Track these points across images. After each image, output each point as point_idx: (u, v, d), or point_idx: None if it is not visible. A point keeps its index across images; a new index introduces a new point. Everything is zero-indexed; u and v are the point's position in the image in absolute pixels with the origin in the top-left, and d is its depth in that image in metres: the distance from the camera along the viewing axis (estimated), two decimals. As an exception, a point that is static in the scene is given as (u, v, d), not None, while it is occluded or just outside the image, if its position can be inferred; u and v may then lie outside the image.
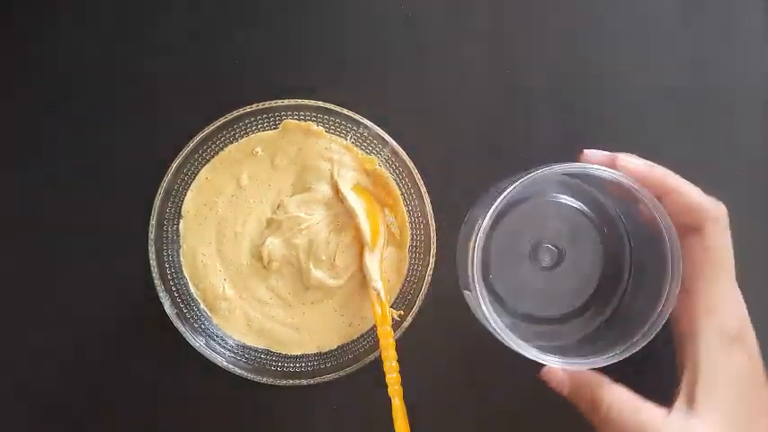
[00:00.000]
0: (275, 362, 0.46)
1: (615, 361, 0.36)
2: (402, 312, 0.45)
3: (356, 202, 0.45)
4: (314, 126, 0.46)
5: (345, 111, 0.45)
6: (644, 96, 0.48)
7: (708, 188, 0.48)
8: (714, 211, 0.38)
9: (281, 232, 0.46)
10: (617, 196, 0.40)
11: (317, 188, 0.46)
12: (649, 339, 0.36)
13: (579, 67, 0.48)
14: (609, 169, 0.37)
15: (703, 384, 0.36)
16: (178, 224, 0.46)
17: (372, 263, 0.45)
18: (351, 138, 0.46)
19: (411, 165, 0.45)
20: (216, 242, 0.46)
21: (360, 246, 0.46)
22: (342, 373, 0.45)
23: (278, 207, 0.46)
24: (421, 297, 0.45)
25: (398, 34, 0.48)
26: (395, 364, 0.43)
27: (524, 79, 0.48)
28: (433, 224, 0.45)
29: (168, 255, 0.46)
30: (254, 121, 0.46)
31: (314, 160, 0.46)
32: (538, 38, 0.48)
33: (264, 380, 0.45)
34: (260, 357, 0.46)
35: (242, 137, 0.46)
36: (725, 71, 0.48)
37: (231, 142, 0.46)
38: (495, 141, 0.48)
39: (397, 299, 0.47)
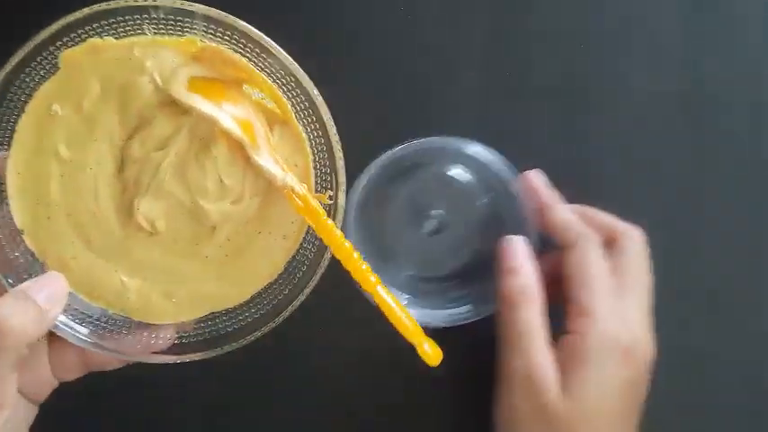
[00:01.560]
0: (226, 321, 0.39)
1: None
2: (330, 192, 0.37)
3: (204, 103, 0.35)
4: (98, 41, 0.35)
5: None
6: (644, 96, 0.48)
7: (708, 188, 0.48)
8: (631, 230, 0.41)
9: (143, 187, 0.36)
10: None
11: (149, 113, 0.36)
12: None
13: (579, 68, 0.48)
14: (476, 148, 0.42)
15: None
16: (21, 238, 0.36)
17: (264, 160, 0.36)
18: (149, 29, 0.35)
19: (243, 24, 0.35)
20: (78, 238, 0.37)
21: (240, 150, 0.36)
22: (307, 290, 0.37)
23: (121, 162, 0.36)
24: (341, 164, 0.36)
25: (398, 34, 0.48)
26: (356, 255, 0.36)
27: (524, 79, 0.48)
28: (306, 79, 0.36)
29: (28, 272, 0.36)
30: (25, 79, 0.35)
31: (125, 81, 0.35)
32: (538, 38, 0.48)
33: (227, 347, 0.37)
34: (210, 326, 0.38)
35: (25, 103, 0.35)
36: (725, 71, 0.48)
37: (18, 116, 0.35)
38: (494, 141, 0.48)
39: (316, 181, 0.38)
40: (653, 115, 0.48)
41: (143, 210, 0.36)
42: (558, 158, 0.47)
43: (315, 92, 0.36)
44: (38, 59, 0.34)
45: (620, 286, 0.39)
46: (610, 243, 0.41)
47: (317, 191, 0.38)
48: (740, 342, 0.47)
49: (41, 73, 0.34)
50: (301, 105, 0.37)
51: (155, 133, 0.36)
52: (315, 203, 0.36)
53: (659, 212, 0.47)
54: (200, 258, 0.37)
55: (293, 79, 0.36)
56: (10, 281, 0.35)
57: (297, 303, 0.37)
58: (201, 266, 0.37)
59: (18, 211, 0.36)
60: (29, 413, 0.36)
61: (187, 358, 0.37)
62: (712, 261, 0.47)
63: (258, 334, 0.37)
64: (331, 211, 0.37)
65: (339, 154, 0.36)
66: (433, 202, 0.45)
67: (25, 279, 0.35)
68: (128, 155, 0.36)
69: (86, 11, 0.33)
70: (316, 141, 0.37)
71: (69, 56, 0.35)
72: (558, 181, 0.47)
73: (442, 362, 0.37)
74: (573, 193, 0.47)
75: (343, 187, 0.37)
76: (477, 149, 0.43)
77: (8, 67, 0.33)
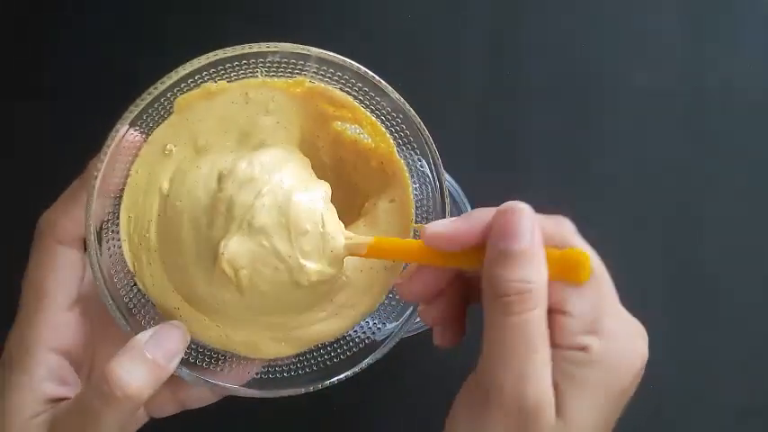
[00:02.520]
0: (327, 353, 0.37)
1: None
2: (421, 225, 0.36)
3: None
4: (212, 85, 0.34)
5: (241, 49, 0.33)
6: (644, 97, 0.48)
7: (708, 188, 0.48)
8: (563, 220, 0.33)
9: (232, 220, 0.32)
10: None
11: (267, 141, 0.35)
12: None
13: (579, 67, 0.48)
14: None
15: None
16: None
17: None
18: (261, 72, 0.35)
19: (350, 62, 0.34)
20: (175, 288, 0.35)
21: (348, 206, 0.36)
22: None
23: (218, 192, 0.33)
24: (446, 194, 0.36)
25: (398, 34, 0.48)
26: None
27: (524, 79, 0.48)
28: (413, 114, 0.35)
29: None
30: (141, 125, 0.33)
31: (248, 120, 0.35)
32: (538, 38, 0.48)
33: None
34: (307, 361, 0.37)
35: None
36: (725, 71, 0.48)
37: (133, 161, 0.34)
38: (494, 141, 0.48)
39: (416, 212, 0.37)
40: (653, 115, 0.48)
41: (226, 251, 0.32)
42: (557, 158, 0.48)
43: (422, 126, 0.35)
44: (155, 106, 0.33)
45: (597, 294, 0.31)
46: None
47: (417, 221, 0.37)
48: (740, 342, 0.47)
49: (156, 118, 0.34)
50: (404, 140, 0.36)
51: (264, 158, 0.34)
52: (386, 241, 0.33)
53: (659, 212, 0.47)
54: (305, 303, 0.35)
55: (401, 117, 0.35)
56: (128, 329, 0.33)
57: (401, 333, 0.36)
58: (307, 313, 0.36)
59: (127, 254, 0.35)
60: None
61: (272, 394, 0.36)
62: (712, 261, 0.47)
63: (360, 367, 0.36)
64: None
65: (445, 184, 0.36)
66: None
67: (141, 323, 0.34)
68: (226, 175, 0.33)
69: (206, 59, 0.33)
70: (417, 173, 0.37)
71: (183, 100, 0.34)
72: (558, 181, 0.47)
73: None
74: (573, 193, 0.47)
75: (448, 212, 0.36)
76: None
77: (129, 117, 0.32)
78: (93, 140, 0.34)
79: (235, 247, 0.32)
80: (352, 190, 0.38)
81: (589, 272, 0.29)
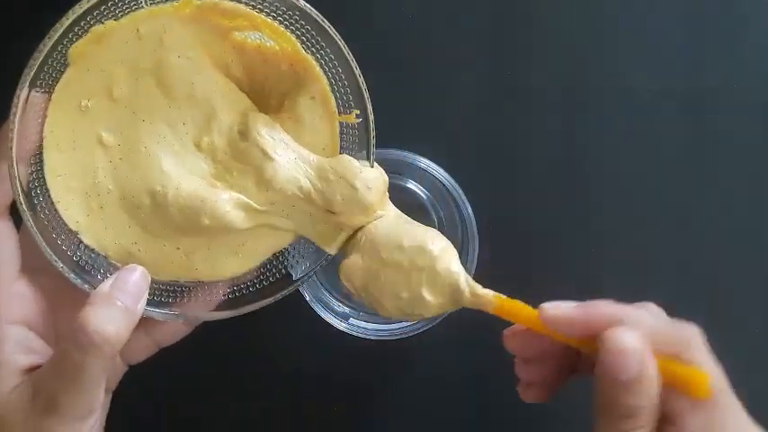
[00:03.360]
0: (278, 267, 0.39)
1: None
2: (356, 111, 0.37)
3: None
4: (101, 28, 0.34)
5: None
6: (644, 97, 0.48)
7: (708, 188, 0.48)
8: (689, 330, 0.32)
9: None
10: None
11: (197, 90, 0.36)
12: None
13: (579, 67, 0.48)
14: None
15: None
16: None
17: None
18: (145, 1, 0.34)
19: None
20: (135, 222, 0.36)
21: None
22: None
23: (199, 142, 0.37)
24: (361, 80, 0.36)
25: (397, 34, 0.48)
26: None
27: (524, 79, 0.48)
28: (310, 7, 0.35)
29: None
30: (41, 84, 0.33)
31: (153, 62, 0.35)
32: (538, 37, 0.48)
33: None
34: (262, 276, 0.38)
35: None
36: (725, 71, 0.48)
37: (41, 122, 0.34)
38: (494, 141, 0.48)
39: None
40: (653, 115, 0.48)
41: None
42: (557, 158, 0.48)
43: (323, 21, 0.35)
44: (50, 62, 0.33)
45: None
46: None
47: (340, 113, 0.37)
48: (740, 342, 0.47)
49: (53, 75, 0.33)
50: (307, 37, 0.36)
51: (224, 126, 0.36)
52: (510, 302, 0.33)
53: (659, 212, 0.47)
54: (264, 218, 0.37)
55: (297, 13, 0.35)
56: (86, 286, 0.34)
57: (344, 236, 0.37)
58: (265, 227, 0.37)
59: (67, 212, 0.35)
60: (106, 403, 0.36)
61: (245, 310, 0.37)
62: (712, 261, 0.47)
63: (313, 271, 0.37)
64: (368, 133, 0.37)
65: (357, 71, 0.36)
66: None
67: (96, 277, 0.35)
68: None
69: (87, 1, 0.32)
70: (328, 67, 0.36)
71: (76, 50, 0.33)
72: (558, 181, 0.47)
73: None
74: (573, 193, 0.47)
75: (369, 103, 0.36)
76: (429, 163, 0.43)
77: (27, 78, 0.32)
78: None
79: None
80: (270, 98, 0.37)
81: (706, 392, 0.29)
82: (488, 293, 0.34)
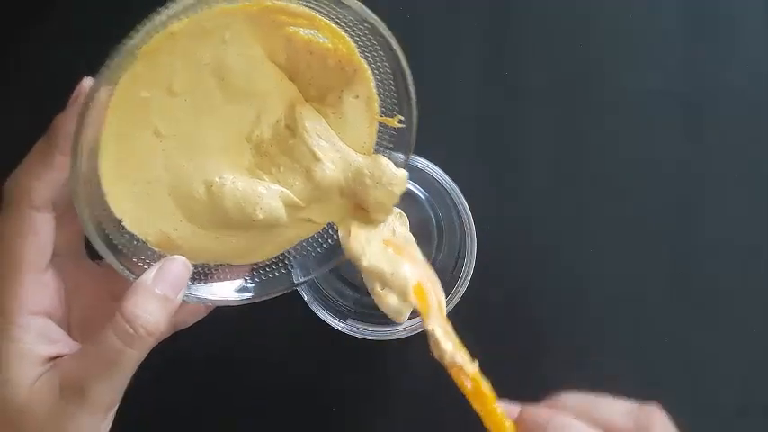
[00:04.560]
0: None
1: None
2: (400, 117, 0.38)
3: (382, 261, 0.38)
4: (175, 27, 0.34)
5: None
6: (644, 97, 0.48)
7: (707, 188, 0.48)
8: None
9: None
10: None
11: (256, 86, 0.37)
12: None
13: (579, 67, 0.48)
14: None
15: None
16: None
17: (438, 330, 0.36)
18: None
19: None
20: (179, 210, 0.37)
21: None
22: None
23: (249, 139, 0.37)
24: (412, 90, 0.37)
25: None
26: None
27: (524, 79, 0.48)
28: (380, 22, 0.35)
29: None
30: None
31: (212, 59, 0.36)
32: (537, 37, 0.48)
33: None
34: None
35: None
36: (725, 72, 0.48)
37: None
38: (494, 141, 0.48)
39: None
40: (653, 115, 0.48)
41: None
42: (557, 158, 0.48)
43: (387, 32, 0.35)
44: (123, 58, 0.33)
45: None
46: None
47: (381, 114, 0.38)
48: (740, 342, 0.47)
49: (120, 68, 0.33)
50: (365, 42, 0.37)
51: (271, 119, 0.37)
52: (487, 388, 0.34)
53: (659, 212, 0.47)
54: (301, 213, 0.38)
55: (366, 25, 0.35)
56: (127, 273, 0.34)
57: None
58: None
59: (115, 200, 0.35)
60: None
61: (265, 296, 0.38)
62: (712, 261, 0.47)
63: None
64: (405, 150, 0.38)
65: (411, 86, 0.37)
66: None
67: (138, 264, 0.35)
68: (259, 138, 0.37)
69: (174, 6, 0.32)
70: (378, 69, 0.37)
71: (148, 47, 0.33)
72: (559, 180, 0.47)
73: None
74: (573, 193, 0.47)
75: (415, 109, 0.37)
76: (427, 164, 0.43)
77: (104, 74, 0.31)
78: (48, 98, 0.33)
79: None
80: (310, 87, 0.38)
81: None
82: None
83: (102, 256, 0.34)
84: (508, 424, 0.33)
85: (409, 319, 0.42)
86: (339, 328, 0.43)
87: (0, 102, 0.46)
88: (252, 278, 0.39)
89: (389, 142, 0.39)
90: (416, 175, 0.45)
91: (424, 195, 0.46)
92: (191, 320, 0.38)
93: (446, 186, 0.43)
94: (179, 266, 0.34)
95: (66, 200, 0.34)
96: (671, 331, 0.47)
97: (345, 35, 0.36)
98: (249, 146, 0.37)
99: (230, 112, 0.37)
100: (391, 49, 0.36)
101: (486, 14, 0.48)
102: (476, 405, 0.33)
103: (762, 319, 0.47)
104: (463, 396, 0.34)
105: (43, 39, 0.47)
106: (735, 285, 0.47)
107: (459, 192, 0.43)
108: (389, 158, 0.38)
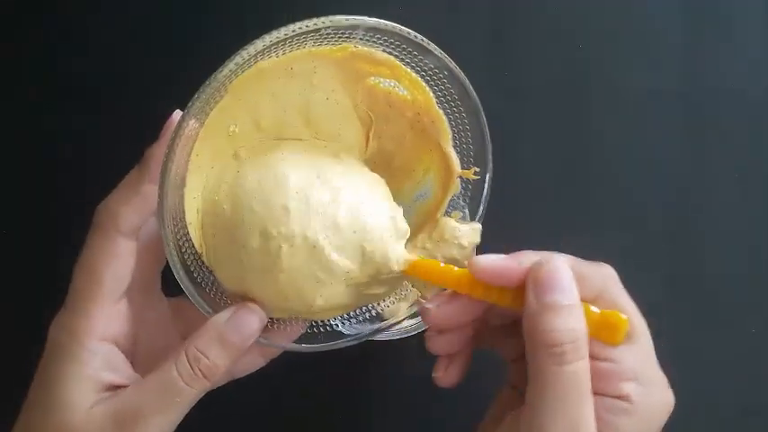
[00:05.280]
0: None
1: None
2: (476, 169, 0.38)
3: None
4: (265, 64, 0.34)
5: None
6: (644, 97, 0.48)
7: (708, 188, 0.48)
8: (607, 270, 0.33)
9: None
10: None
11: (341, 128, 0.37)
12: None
13: (579, 67, 0.48)
14: None
15: None
16: None
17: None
18: (310, 43, 0.35)
19: (398, 27, 0.35)
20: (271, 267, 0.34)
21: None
22: None
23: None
24: (489, 147, 0.38)
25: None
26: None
27: (524, 79, 0.48)
28: (458, 71, 0.36)
29: None
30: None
31: (300, 100, 0.36)
32: (537, 37, 0.48)
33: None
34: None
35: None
36: (725, 71, 0.48)
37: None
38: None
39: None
40: (653, 115, 0.48)
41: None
42: (557, 158, 0.48)
43: (467, 82, 0.36)
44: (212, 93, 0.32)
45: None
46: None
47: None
48: (740, 342, 0.47)
49: (210, 103, 0.33)
50: (446, 96, 0.37)
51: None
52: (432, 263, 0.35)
53: (659, 212, 0.47)
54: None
55: (445, 74, 0.36)
56: (204, 307, 0.34)
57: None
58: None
59: (194, 234, 0.35)
60: None
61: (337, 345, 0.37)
62: (712, 261, 0.47)
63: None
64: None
65: (486, 129, 0.37)
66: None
67: (216, 300, 0.35)
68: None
69: (261, 43, 0.32)
70: (456, 123, 0.37)
71: (237, 82, 0.34)
72: (558, 181, 0.47)
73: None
74: (572, 193, 0.47)
75: (490, 165, 0.38)
76: None
77: (193, 108, 0.31)
78: (146, 128, 0.34)
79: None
80: (387, 141, 0.38)
81: (624, 336, 0.30)
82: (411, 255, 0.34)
83: (180, 285, 0.34)
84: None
85: (409, 319, 0.42)
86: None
87: (108, 129, 0.47)
88: (309, 328, 0.38)
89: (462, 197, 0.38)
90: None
91: None
92: (248, 371, 0.38)
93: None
94: (254, 318, 0.34)
95: (149, 233, 0.34)
96: (671, 331, 0.47)
97: (425, 85, 0.37)
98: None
99: (320, 163, 0.35)
100: (469, 97, 0.36)
101: (486, 14, 0.48)
102: (440, 280, 0.34)
103: (761, 319, 0.47)
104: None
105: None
106: (734, 285, 0.47)
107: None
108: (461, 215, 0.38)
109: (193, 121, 0.32)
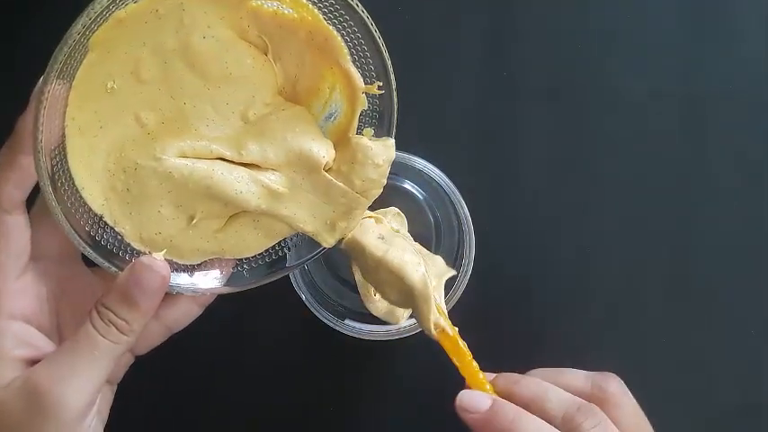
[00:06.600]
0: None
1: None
2: (378, 83, 0.37)
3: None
4: (122, 13, 0.33)
5: None
6: (643, 97, 0.48)
7: (707, 188, 0.48)
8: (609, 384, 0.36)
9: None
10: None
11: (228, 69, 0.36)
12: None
13: (578, 68, 0.48)
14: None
15: None
16: None
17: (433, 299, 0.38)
18: None
19: None
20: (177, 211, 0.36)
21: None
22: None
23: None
24: (386, 56, 0.36)
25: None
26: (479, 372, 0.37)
27: (524, 79, 0.48)
28: None
29: None
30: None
31: (178, 44, 0.35)
32: (538, 38, 0.48)
33: None
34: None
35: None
36: (725, 72, 0.48)
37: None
38: (494, 141, 0.48)
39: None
40: (653, 115, 0.48)
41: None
42: (557, 158, 0.47)
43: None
44: (72, 52, 0.31)
45: None
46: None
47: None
48: (738, 342, 0.47)
49: (74, 63, 0.32)
50: (329, 9, 0.35)
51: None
52: (463, 345, 0.37)
53: (659, 212, 0.47)
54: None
55: None
56: (113, 269, 0.34)
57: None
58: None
59: (92, 195, 0.35)
60: (110, 396, 0.36)
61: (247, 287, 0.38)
62: (712, 261, 0.47)
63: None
64: (386, 114, 0.37)
65: (380, 41, 0.36)
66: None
67: (127, 260, 0.35)
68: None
69: None
70: (350, 39, 0.36)
71: (97, 37, 0.32)
72: (558, 181, 0.47)
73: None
74: (573, 193, 0.47)
75: (391, 71, 0.37)
76: (425, 164, 0.43)
77: (55, 68, 0.30)
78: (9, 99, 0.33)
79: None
80: (288, 63, 0.37)
81: None
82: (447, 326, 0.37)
83: (79, 248, 0.33)
84: (481, 376, 0.37)
85: (408, 319, 0.42)
86: (337, 329, 0.43)
87: None
88: (240, 266, 0.38)
89: (373, 118, 0.38)
90: (415, 175, 0.45)
91: (423, 195, 0.46)
92: (184, 322, 0.37)
93: (444, 187, 0.43)
94: (151, 273, 0.33)
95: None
96: (670, 331, 0.47)
97: (307, 2, 0.35)
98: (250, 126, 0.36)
99: (217, 100, 0.36)
100: (355, 12, 0.35)
101: (486, 14, 0.48)
102: (456, 360, 0.37)
103: (760, 319, 0.47)
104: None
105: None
106: (734, 285, 0.47)
107: (457, 192, 0.43)
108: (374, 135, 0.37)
109: (57, 83, 0.31)
